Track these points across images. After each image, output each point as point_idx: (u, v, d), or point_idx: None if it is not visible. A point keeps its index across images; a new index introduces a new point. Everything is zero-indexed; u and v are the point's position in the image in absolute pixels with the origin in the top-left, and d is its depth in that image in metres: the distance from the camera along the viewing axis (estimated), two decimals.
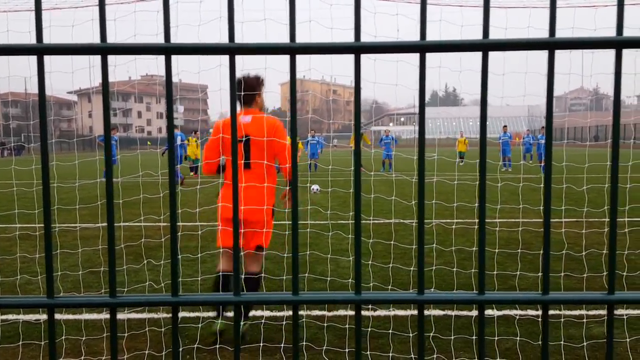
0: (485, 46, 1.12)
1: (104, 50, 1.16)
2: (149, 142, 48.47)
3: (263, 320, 4.79)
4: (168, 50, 1.16)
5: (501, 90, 5.98)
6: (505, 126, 28.61)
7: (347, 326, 4.61)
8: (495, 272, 5.90)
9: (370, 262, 6.16)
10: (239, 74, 4.55)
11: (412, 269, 6.10)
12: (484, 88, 1.20)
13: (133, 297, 1.28)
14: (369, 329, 4.47)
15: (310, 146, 26.30)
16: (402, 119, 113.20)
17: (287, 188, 4.60)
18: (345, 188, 6.74)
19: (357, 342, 1.26)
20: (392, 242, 6.68)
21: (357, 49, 1.14)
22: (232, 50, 1.16)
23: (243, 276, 4.47)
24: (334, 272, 6.34)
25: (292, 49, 1.16)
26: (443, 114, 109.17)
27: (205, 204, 8.68)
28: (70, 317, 4.86)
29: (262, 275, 4.72)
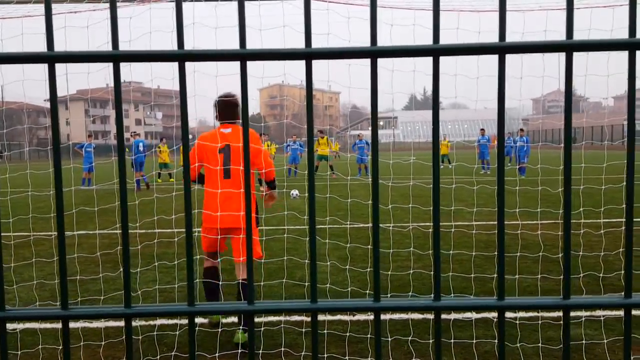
0: (435, 51, 1.14)
1: (116, 57, 1.16)
2: (127, 149, 47.93)
3: (262, 329, 4.77)
4: (183, 57, 1.16)
5: (476, 94, 6.05)
6: (482, 129, 28.92)
7: (348, 333, 4.61)
8: (473, 275, 5.96)
9: (348, 267, 6.17)
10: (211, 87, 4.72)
11: (390, 272, 6.13)
12: (436, 92, 1.22)
13: (149, 308, 1.27)
14: (348, 334, 4.48)
15: (291, 151, 26.28)
16: (381, 123, 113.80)
17: (264, 192, 4.87)
18: (324, 193, 6.75)
19: (377, 350, 1.26)
20: (369, 247, 6.70)
21: (374, 53, 1.16)
22: (244, 56, 1.16)
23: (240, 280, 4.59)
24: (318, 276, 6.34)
25: (309, 54, 1.16)
26: (421, 118, 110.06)
27: (182, 211, 8.62)
28: (48, 325, 4.78)
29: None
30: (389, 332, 4.51)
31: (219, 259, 4.80)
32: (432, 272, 5.01)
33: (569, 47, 1.14)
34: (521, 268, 6.29)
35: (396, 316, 4.90)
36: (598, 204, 6.96)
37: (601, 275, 5.78)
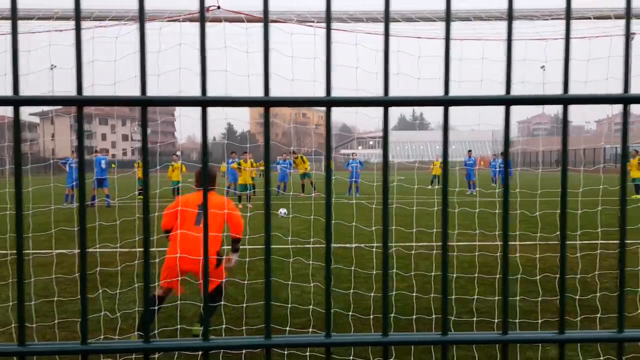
0: (445, 102, 1.22)
1: (144, 102, 1.19)
2: (113, 165, 47.70)
3: None
4: (145, 102, 1.18)
5: (464, 116, 6.15)
6: (469, 151, 29.22)
7: None
8: (454, 296, 5.98)
9: (331, 289, 6.17)
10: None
11: (372, 294, 6.13)
12: (446, 142, 1.29)
13: (166, 343, 1.27)
14: None
15: (281, 169, 26.32)
16: (371, 143, 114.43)
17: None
18: (308, 213, 6.77)
19: None
20: (352, 268, 6.72)
21: (387, 102, 1.23)
22: (268, 103, 1.21)
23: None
24: (299, 298, 6.32)
25: (329, 102, 1.23)
26: (410, 138, 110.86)
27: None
28: None
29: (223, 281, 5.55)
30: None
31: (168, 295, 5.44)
32: (414, 294, 5.02)
33: (507, 102, 1.20)
34: (501, 289, 6.32)
35: None
36: (575, 226, 7.05)
37: (577, 297, 5.83)
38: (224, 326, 5.46)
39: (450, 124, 1.30)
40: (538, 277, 6.46)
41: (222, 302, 5.45)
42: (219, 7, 4.68)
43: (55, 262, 7.32)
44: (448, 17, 1.24)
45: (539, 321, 5.59)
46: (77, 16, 1.19)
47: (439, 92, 1.32)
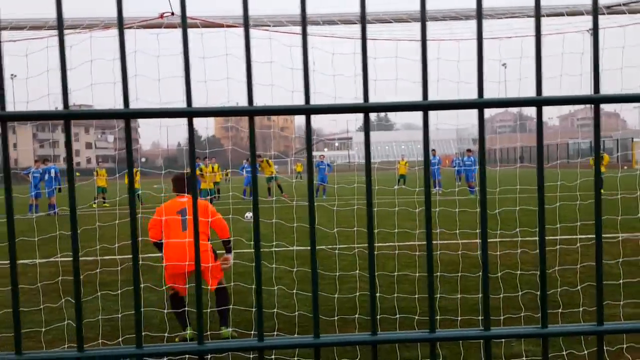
0: (424, 107, 1.28)
1: (127, 115, 1.23)
2: (77, 173, 46.84)
3: None
4: (130, 115, 1.23)
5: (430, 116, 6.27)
6: (433, 150, 29.65)
7: None
8: (417, 296, 6.11)
9: (294, 291, 6.22)
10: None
11: (337, 295, 6.21)
12: (426, 145, 1.36)
13: (160, 347, 1.29)
14: None
15: (247, 173, 26.22)
16: (337, 144, 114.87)
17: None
18: (271, 217, 6.83)
19: None
20: (318, 270, 6.79)
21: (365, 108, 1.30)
22: (252, 112, 1.27)
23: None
24: (266, 301, 6.36)
25: (309, 110, 1.28)
26: (375, 139, 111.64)
27: (125, 238, 8.54)
28: None
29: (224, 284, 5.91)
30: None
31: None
32: (378, 294, 5.09)
33: (479, 105, 1.28)
34: (468, 287, 6.50)
35: None
36: (534, 223, 7.27)
37: (538, 292, 6.01)
38: (209, 333, 5.52)
39: (414, 123, 1.36)
40: (499, 274, 6.61)
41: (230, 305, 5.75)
42: (172, 14, 4.69)
43: (18, 272, 7.17)
44: (423, 21, 1.30)
45: (502, 318, 5.69)
46: (60, 26, 1.22)
47: (414, 95, 1.39)
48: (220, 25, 5.13)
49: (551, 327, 1.36)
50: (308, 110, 1.29)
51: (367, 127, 1.34)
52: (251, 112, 1.27)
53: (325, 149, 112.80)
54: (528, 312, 5.78)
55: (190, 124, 1.28)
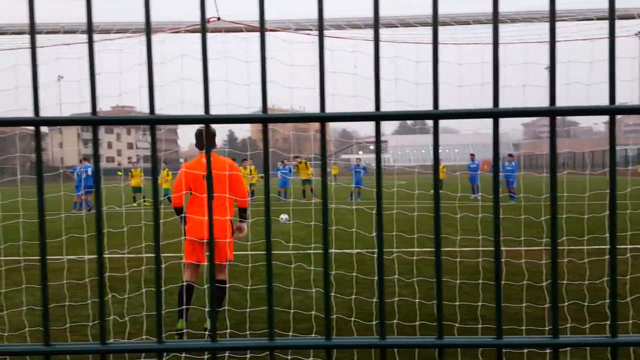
0: (435, 116, 1.29)
1: (151, 121, 1.30)
2: (119, 172, 47.99)
3: None
4: (155, 121, 1.27)
5: (466, 121, 6.20)
6: (472, 154, 29.19)
7: None
8: (458, 303, 6.03)
9: (333, 294, 6.23)
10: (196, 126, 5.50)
11: (374, 300, 6.18)
12: (436, 154, 1.37)
13: (178, 343, 1.34)
14: None
15: (281, 175, 26.39)
16: (371, 147, 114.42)
17: (237, 225, 5.73)
18: (309, 219, 6.86)
19: None
20: (354, 274, 6.78)
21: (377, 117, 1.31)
22: (266, 120, 1.32)
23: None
24: (302, 303, 6.39)
25: (323, 118, 1.32)
26: (411, 142, 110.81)
27: (169, 236, 8.71)
28: None
29: (228, 283, 5.75)
30: None
31: (198, 272, 5.69)
32: (417, 300, 5.07)
33: (494, 114, 1.27)
34: (509, 296, 6.38)
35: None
36: (582, 231, 7.07)
37: (586, 303, 5.85)
38: (228, 330, 5.54)
39: (452, 127, 1.39)
40: (544, 284, 6.45)
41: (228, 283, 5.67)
42: (218, 19, 4.76)
43: (66, 267, 7.42)
44: (436, 32, 1.31)
45: (546, 328, 5.57)
46: (90, 32, 1.27)
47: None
48: (258, 30, 5.19)
49: (621, 336, 1.34)
50: (322, 118, 1.33)
51: (378, 135, 1.37)
52: (265, 120, 1.31)
53: (360, 152, 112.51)
54: (574, 324, 5.62)
55: (208, 130, 1.37)
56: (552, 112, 1.32)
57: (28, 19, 1.24)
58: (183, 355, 4.65)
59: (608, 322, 5.05)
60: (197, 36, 4.76)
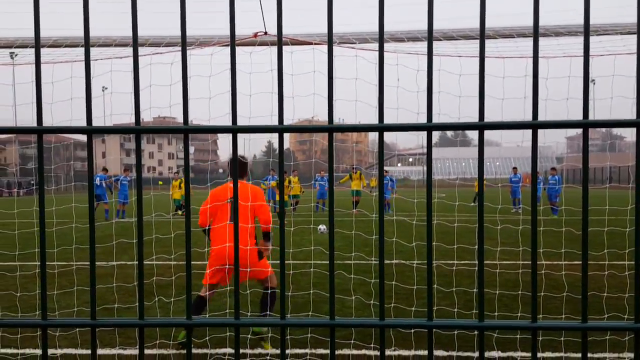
0: (429, 128, 1.40)
1: (186, 130, 1.46)
2: (160, 182, 49.19)
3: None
4: (185, 130, 1.42)
5: (508, 134, 6.22)
6: (515, 167, 28.72)
7: None
8: (497, 313, 6.02)
9: (372, 302, 6.29)
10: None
11: (413, 309, 6.24)
12: (429, 166, 1.48)
13: (203, 320, 1.50)
14: None
15: (319, 186, 26.50)
16: (410, 160, 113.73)
17: (262, 246, 5.69)
18: (350, 229, 6.96)
19: None
20: (393, 282, 6.84)
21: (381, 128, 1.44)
22: (281, 130, 1.48)
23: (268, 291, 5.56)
24: (339, 312, 6.48)
25: (331, 129, 1.48)
26: (452, 155, 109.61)
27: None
28: (84, 351, 5.04)
29: (276, 290, 5.65)
30: None
31: (213, 291, 5.65)
32: (455, 309, 5.12)
33: (535, 126, 1.37)
34: (548, 308, 6.33)
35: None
36: (624, 244, 6.96)
37: (625, 316, 5.78)
38: (270, 335, 5.69)
39: (494, 140, 1.48)
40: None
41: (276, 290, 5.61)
42: (265, 33, 4.96)
43: (114, 272, 7.75)
44: (431, 32, 1.41)
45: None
46: (135, 45, 1.43)
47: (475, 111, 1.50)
48: (309, 43, 5.36)
49: (591, 321, 1.54)
50: (330, 129, 1.47)
51: (381, 146, 1.48)
52: (280, 130, 1.45)
53: (399, 164, 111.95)
54: (612, 336, 5.55)
55: (235, 140, 1.51)
56: (535, 126, 1.41)
57: (83, 35, 1.41)
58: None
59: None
60: (244, 49, 4.92)
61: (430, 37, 1.41)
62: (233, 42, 1.46)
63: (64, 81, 5.92)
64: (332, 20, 1.44)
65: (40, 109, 1.41)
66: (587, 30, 1.39)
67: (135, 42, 1.39)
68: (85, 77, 1.44)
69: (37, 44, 1.41)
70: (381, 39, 1.40)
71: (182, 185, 24.67)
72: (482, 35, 1.40)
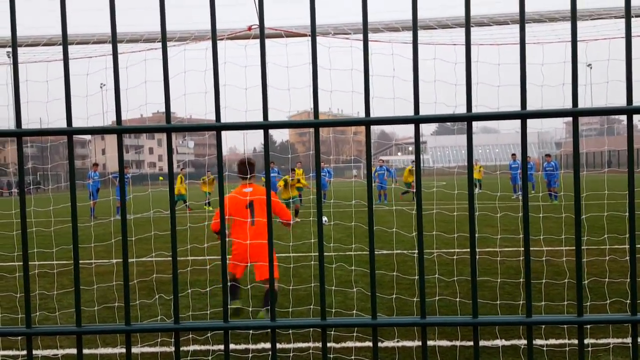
0: (417, 120, 1.38)
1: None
2: (160, 178, 49.13)
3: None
4: (169, 129, 1.40)
5: (506, 121, 6.17)
6: (514, 154, 28.66)
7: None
8: (498, 302, 6.02)
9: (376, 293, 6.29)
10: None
11: (415, 299, 6.23)
12: (417, 157, 1.47)
13: (240, 323, 1.48)
14: None
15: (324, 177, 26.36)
16: (410, 149, 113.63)
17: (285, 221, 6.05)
18: (351, 220, 6.96)
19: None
20: (394, 273, 6.84)
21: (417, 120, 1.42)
22: (267, 126, 1.49)
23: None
24: (342, 304, 6.48)
25: (317, 124, 1.47)
26: (451, 143, 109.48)
27: (213, 239, 8.95)
28: (87, 351, 5.04)
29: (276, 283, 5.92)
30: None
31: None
32: (457, 299, 5.10)
33: (523, 116, 1.35)
34: (551, 295, 6.33)
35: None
36: (623, 229, 6.95)
37: (628, 301, 5.77)
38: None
39: (492, 127, 1.46)
40: (586, 282, 6.40)
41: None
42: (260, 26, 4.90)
43: (115, 270, 7.75)
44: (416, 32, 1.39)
45: (588, 327, 5.51)
46: (114, 42, 1.40)
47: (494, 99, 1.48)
48: (304, 35, 5.32)
49: (587, 315, 1.47)
50: (316, 124, 1.49)
51: (368, 139, 1.51)
52: (266, 126, 1.45)
53: (399, 153, 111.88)
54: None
55: (219, 137, 1.52)
56: (524, 116, 1.39)
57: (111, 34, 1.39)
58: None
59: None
60: (238, 43, 4.85)
61: (467, 23, 1.38)
62: (214, 37, 1.44)
63: (60, 80, 5.87)
64: (367, 14, 1.41)
65: (69, 110, 1.40)
66: (574, 17, 1.36)
67: (114, 40, 1.37)
68: (65, 77, 1.42)
69: (65, 40, 1.40)
70: (365, 29, 1.37)
71: (183, 180, 24.60)
72: (468, 22, 1.38)
